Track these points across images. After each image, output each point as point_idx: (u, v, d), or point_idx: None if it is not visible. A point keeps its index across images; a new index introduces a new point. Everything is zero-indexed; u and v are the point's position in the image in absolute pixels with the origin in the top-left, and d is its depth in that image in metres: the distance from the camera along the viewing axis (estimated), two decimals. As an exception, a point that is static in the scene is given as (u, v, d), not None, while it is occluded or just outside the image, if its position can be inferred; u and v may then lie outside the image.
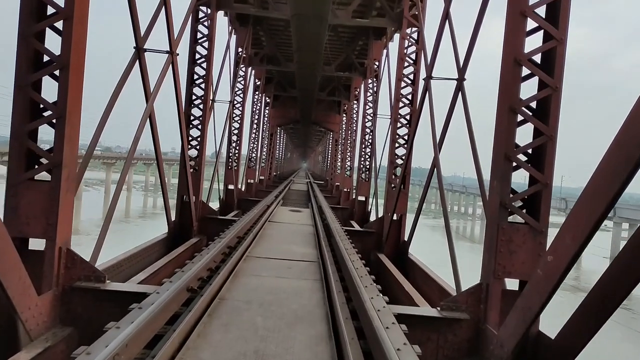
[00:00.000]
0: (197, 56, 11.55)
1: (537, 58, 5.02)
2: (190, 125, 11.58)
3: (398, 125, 11.62)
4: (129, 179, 66.81)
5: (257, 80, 24.38)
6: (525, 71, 5.00)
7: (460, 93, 8.12)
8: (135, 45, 8.08)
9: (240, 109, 18.44)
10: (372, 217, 17.80)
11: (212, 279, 5.40)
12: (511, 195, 5.00)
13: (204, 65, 11.54)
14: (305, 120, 32.97)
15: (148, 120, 8.80)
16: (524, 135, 5.27)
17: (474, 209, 79.54)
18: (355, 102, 24.51)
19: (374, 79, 17.88)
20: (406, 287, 8.24)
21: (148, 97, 8.08)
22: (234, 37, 17.72)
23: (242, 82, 18.47)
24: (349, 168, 25.06)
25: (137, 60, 8.20)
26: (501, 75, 5.12)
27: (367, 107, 18.65)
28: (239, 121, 18.48)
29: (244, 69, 18.38)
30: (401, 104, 11.61)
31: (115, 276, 7.97)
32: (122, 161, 69.18)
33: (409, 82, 11.60)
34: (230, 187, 18.19)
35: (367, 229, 11.96)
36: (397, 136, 11.62)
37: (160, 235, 10.77)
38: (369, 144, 18.60)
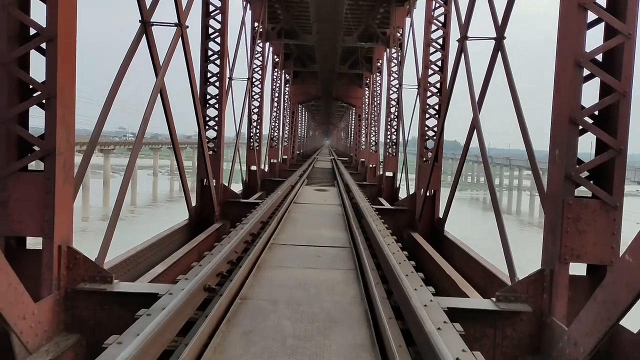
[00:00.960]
0: (211, 31, 10.84)
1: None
2: (207, 105, 10.95)
3: (428, 95, 10.77)
4: (154, 164, 67.02)
5: (275, 57, 23.60)
6: (591, 16, 4.20)
7: (499, 54, 7.28)
8: (140, 18, 7.43)
9: (259, 86, 17.73)
10: (402, 194, 17.06)
11: (233, 273, 4.79)
12: (577, 166, 4.22)
13: (218, 39, 10.83)
14: (327, 96, 32.12)
15: (160, 99, 8.21)
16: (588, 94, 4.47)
17: (500, 180, 77.81)
18: (378, 74, 23.55)
19: (398, 48, 16.92)
20: (447, 270, 7.55)
21: (158, 74, 7.44)
22: (249, 12, 16.94)
23: (260, 59, 17.73)
24: (374, 143, 24.23)
25: (145, 36, 7.57)
26: (561, 21, 4.31)
27: (392, 78, 17.74)
28: (258, 99, 17.79)
29: (261, 44, 17.62)
30: (430, 71, 10.74)
31: (134, 268, 7.49)
32: (145, 147, 69.31)
33: (438, 46, 10.70)
34: (253, 168, 17.60)
35: (398, 206, 11.25)
36: (427, 106, 10.79)
37: (181, 222, 10.26)
38: (394, 117, 17.75)
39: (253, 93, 17.82)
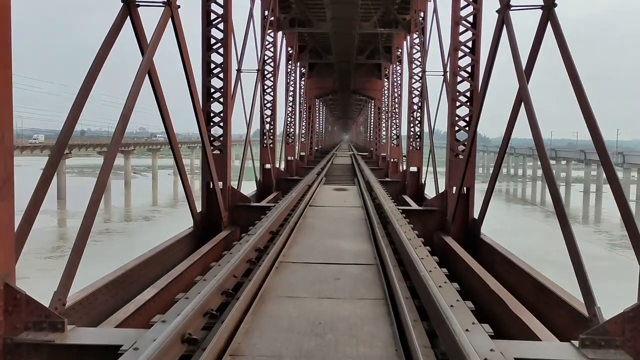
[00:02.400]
0: (212, 16, 9.75)
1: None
2: (211, 99, 9.88)
3: (458, 80, 9.52)
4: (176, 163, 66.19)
5: (289, 49, 22.46)
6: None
7: (550, 24, 6.03)
8: (122, -3, 6.36)
9: (272, 79, 16.62)
10: (427, 190, 15.81)
11: (226, 312, 3.67)
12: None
13: (221, 26, 9.74)
14: (345, 89, 30.90)
15: (152, 91, 7.15)
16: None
17: (524, 170, 75.64)
18: (397, 63, 22.25)
19: (420, 33, 15.63)
20: (490, 284, 6.36)
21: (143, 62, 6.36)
22: (258, 0, 15.83)
23: (272, 50, 16.61)
24: (395, 136, 22.96)
25: (130, 18, 6.50)
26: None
27: (413, 65, 16.46)
28: (271, 93, 16.69)
29: (272, 34, 16.49)
30: (460, 54, 9.49)
31: (129, 286, 6.48)
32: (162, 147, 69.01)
33: (469, 25, 9.44)
34: (267, 166, 16.52)
35: (427, 206, 10.04)
36: (457, 93, 9.55)
37: (185, 230, 9.22)
38: (418, 107, 16.47)
39: (265, 87, 16.72)
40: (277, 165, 18.63)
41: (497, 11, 6.70)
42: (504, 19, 6.44)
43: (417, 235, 6.88)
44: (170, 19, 6.80)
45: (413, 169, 16.29)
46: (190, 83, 7.73)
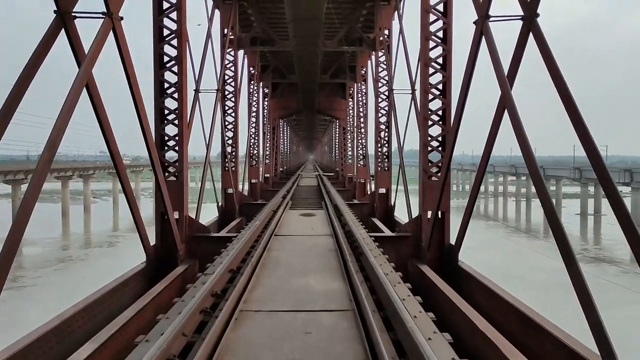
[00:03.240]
0: (165, 32, 9.00)
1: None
2: (165, 121, 9.07)
3: (429, 98, 9.01)
4: (137, 187, 64.12)
5: (251, 69, 21.80)
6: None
7: (532, 35, 5.54)
8: (56, 8, 5.57)
9: (233, 99, 15.87)
10: (397, 212, 15.25)
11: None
12: None
13: (175, 42, 8.99)
14: (309, 109, 30.37)
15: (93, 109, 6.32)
16: None
17: (486, 187, 76.63)
18: (362, 82, 21.85)
19: (386, 51, 15.21)
20: (474, 318, 5.71)
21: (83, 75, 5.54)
22: (217, 17, 15.15)
23: (233, 69, 15.89)
24: (362, 157, 22.46)
25: (65, 31, 5.71)
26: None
27: (379, 84, 16.02)
28: (233, 114, 15.93)
29: (232, 53, 15.80)
30: (431, 70, 9.00)
31: (66, 339, 5.61)
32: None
33: (439, 40, 8.98)
34: (230, 191, 15.67)
35: (400, 233, 9.41)
36: (429, 112, 9.03)
37: (136, 267, 8.31)
38: (386, 126, 15.98)
39: (226, 107, 15.96)
40: (241, 189, 17.80)
41: (474, 22, 6.19)
42: (482, 30, 5.93)
43: (393, 268, 6.22)
44: (112, 31, 6.01)
45: (382, 190, 15.73)
46: (137, 102, 6.92)
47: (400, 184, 14.20)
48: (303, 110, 31.63)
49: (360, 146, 22.65)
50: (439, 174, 9.15)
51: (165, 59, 9.07)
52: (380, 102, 15.94)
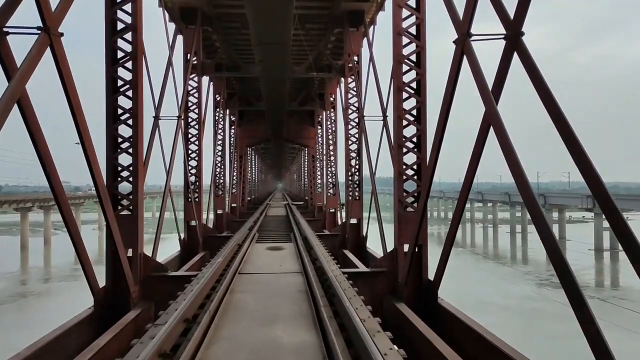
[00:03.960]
0: (120, 54, 8.32)
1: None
2: (118, 149, 8.31)
3: (404, 124, 8.53)
4: (77, 221, 61.58)
5: (217, 96, 21.15)
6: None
7: (517, 54, 5.09)
8: (-17, 22, 4.84)
9: (197, 127, 15.15)
10: (370, 243, 14.64)
11: None
12: None
13: (130, 65, 8.30)
14: (277, 137, 29.79)
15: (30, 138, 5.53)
16: None
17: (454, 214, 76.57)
18: (331, 110, 21.44)
19: (356, 77, 14.81)
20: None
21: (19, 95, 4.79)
22: (180, 41, 14.53)
23: (197, 95, 15.22)
24: (332, 185, 21.89)
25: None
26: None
27: (349, 111, 15.57)
28: (196, 142, 15.18)
29: (196, 79, 15.15)
30: (405, 95, 8.54)
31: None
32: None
33: (412, 64, 8.55)
34: (193, 223, 14.80)
35: (375, 268, 8.77)
36: (403, 139, 8.53)
37: (83, 313, 7.43)
38: (356, 155, 15.48)
39: (190, 135, 15.22)
40: (205, 221, 16.92)
41: (454, 42, 5.73)
42: (463, 50, 5.45)
43: (370, 312, 5.56)
44: (49, 48, 5.30)
45: (353, 220, 15.12)
46: (79, 127, 6.15)
47: (373, 212, 13.64)
48: (271, 138, 31.03)
49: (330, 174, 22.10)
50: (415, 205, 8.62)
51: (119, 82, 8.37)
52: (350, 130, 15.46)
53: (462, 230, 64.38)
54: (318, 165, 28.15)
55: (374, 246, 14.39)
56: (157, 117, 11.38)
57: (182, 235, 14.67)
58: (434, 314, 7.82)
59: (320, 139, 26.26)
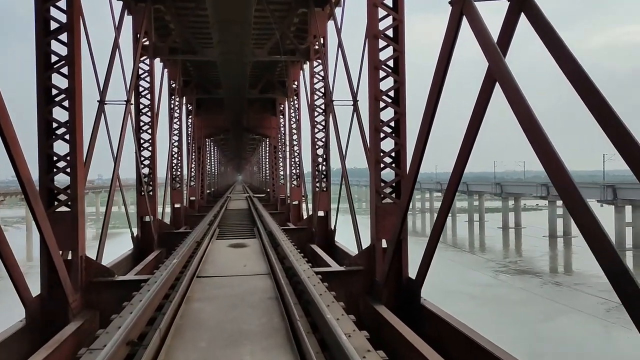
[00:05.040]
0: (53, 25, 7.14)
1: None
2: (53, 136, 7.15)
3: (381, 106, 7.68)
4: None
5: (172, 83, 19.82)
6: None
7: (524, 15, 4.28)
8: None
9: (149, 114, 13.92)
10: (338, 237, 13.81)
11: None
12: None
13: (65, 37, 7.13)
14: (237, 128, 28.58)
15: None
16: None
17: (422, 203, 77.14)
18: (294, 97, 20.45)
19: (323, 59, 13.87)
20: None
21: None
22: (129, 20, 13.24)
23: (148, 79, 13.98)
24: (296, 176, 20.96)
25: None
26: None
27: (315, 97, 14.64)
28: (149, 131, 13.96)
29: (147, 61, 13.89)
30: (382, 74, 7.68)
31: None
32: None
33: (390, 39, 7.70)
34: (147, 218, 13.61)
35: (350, 267, 7.91)
36: (380, 123, 7.68)
37: (12, 327, 6.31)
38: (323, 143, 14.58)
39: (142, 123, 13.98)
40: (161, 216, 15.72)
41: (450, 2, 4.88)
42: (462, 11, 4.61)
43: (354, 322, 4.71)
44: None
45: (320, 213, 14.25)
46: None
47: (341, 204, 12.82)
48: (231, 128, 29.79)
49: (294, 165, 21.16)
50: (393, 195, 7.82)
51: (53, 58, 7.20)
52: (316, 117, 14.54)
53: (422, 220, 64.64)
54: (280, 155, 27.15)
55: (342, 240, 13.60)
56: (102, 102, 10.16)
57: (135, 232, 13.47)
58: (416, 315, 7.05)
59: (282, 129, 25.25)
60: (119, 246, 13.36)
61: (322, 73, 14.64)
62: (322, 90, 14.71)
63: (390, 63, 7.74)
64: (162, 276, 6.34)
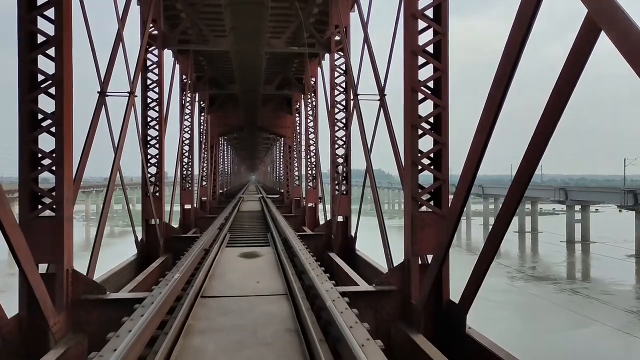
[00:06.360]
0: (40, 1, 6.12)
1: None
2: (38, 127, 6.14)
3: (419, 98, 6.54)
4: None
5: (184, 77, 18.83)
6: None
7: None
8: None
9: (157, 108, 12.91)
10: (359, 244, 12.67)
11: None
12: None
13: (51, 14, 6.11)
14: (251, 125, 27.53)
15: None
16: None
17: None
18: (312, 94, 19.35)
19: (346, 49, 12.75)
20: None
21: None
22: (135, 5, 12.24)
23: (158, 72, 12.97)
24: (311, 178, 19.86)
25: None
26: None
27: (336, 92, 13.50)
28: (156, 127, 12.95)
29: (156, 52, 12.88)
30: (421, 60, 6.55)
31: None
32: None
33: (431, 20, 6.55)
34: (153, 222, 12.59)
35: (381, 286, 6.76)
36: (418, 117, 6.54)
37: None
38: (344, 142, 13.45)
39: (149, 119, 12.97)
40: (169, 218, 14.71)
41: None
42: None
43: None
44: None
45: (340, 218, 13.12)
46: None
47: (367, 208, 11.69)
48: (245, 127, 28.76)
49: (310, 166, 20.06)
50: (432, 203, 6.67)
51: (40, 39, 6.18)
52: (336, 114, 13.41)
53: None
54: (295, 155, 26.08)
55: (361, 247, 12.48)
56: (102, 93, 9.15)
57: (140, 236, 12.47)
58: (460, 348, 5.91)
59: (298, 128, 24.17)
60: (131, 247, 12.33)
61: (343, 67, 13.53)
62: (343, 85, 13.59)
63: (430, 48, 6.61)
64: (158, 297, 5.26)
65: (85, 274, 6.92)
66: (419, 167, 6.57)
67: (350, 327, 4.41)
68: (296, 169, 25.94)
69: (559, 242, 40.73)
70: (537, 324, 19.13)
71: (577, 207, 42.12)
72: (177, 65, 17.75)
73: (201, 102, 24.01)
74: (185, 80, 18.54)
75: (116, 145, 9.37)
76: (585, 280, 29.18)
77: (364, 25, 10.99)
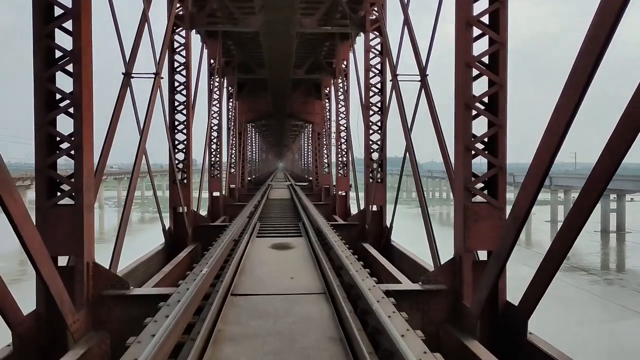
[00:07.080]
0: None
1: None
2: (56, 107, 5.66)
3: (473, 74, 5.81)
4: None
5: (212, 62, 18.33)
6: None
7: None
8: None
9: (185, 92, 12.41)
10: (395, 236, 12.00)
11: None
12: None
13: (68, -15, 5.58)
14: (280, 112, 27.00)
15: None
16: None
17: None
18: (343, 77, 18.62)
19: (383, 26, 11.99)
20: None
21: None
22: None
23: (183, 53, 12.45)
24: (342, 165, 19.20)
25: None
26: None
27: (371, 74, 12.77)
28: (184, 111, 12.46)
29: (183, 33, 12.35)
30: (476, 31, 5.82)
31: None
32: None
33: (487, -13, 5.80)
34: (180, 209, 12.15)
35: (428, 285, 6.10)
36: (473, 97, 5.82)
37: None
38: (378, 127, 12.73)
39: (177, 103, 12.49)
40: (197, 205, 14.26)
41: None
42: None
43: None
44: None
45: (375, 207, 12.45)
46: None
47: (407, 197, 11.00)
48: (274, 113, 28.24)
49: (341, 152, 19.39)
50: (486, 192, 5.97)
51: (57, 11, 5.68)
52: (371, 97, 12.68)
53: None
54: (325, 142, 25.43)
55: (400, 239, 11.81)
56: (127, 74, 8.64)
57: (168, 224, 12.06)
58: (521, 356, 5.23)
59: (328, 113, 23.48)
60: (162, 233, 11.78)
61: (378, 47, 12.78)
62: (378, 67, 12.84)
63: (485, 19, 5.87)
64: (185, 295, 4.72)
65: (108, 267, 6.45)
66: (473, 153, 5.87)
67: (402, 336, 3.83)
68: (325, 156, 25.32)
69: (592, 232, 36.24)
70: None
71: (613, 196, 39.41)
72: (205, 50, 17.23)
73: (229, 88, 23.51)
74: (213, 65, 18.04)
75: (141, 128, 8.89)
76: (619, 271, 27.68)
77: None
